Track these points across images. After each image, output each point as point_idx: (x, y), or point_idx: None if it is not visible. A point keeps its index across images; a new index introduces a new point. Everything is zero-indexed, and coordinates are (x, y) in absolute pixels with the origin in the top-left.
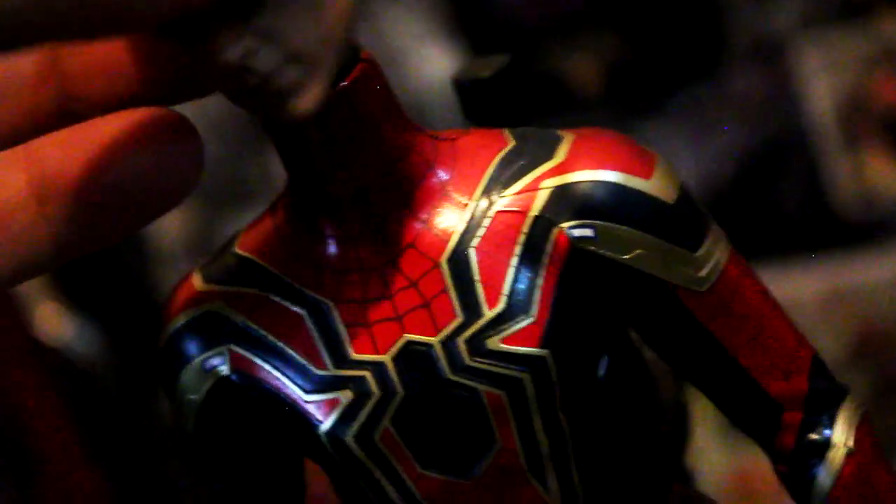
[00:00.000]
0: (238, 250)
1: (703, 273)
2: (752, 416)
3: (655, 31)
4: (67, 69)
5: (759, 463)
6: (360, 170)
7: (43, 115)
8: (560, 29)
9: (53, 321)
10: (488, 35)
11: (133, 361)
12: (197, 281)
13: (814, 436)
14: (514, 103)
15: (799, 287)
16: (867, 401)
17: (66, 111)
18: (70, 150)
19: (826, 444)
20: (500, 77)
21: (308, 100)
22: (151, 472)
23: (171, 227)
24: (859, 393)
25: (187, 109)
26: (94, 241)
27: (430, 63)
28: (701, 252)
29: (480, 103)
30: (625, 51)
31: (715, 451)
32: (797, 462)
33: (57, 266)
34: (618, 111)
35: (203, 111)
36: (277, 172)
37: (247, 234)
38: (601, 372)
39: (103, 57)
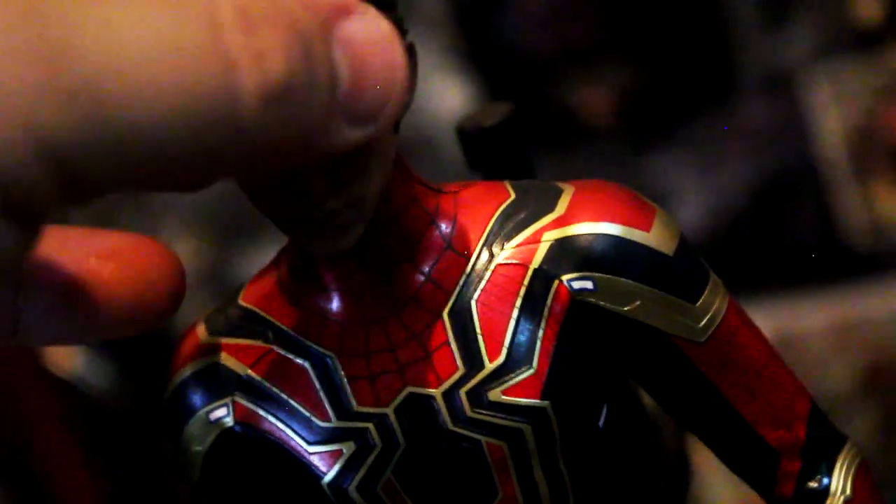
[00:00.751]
0: (242, 302)
1: (703, 324)
2: (750, 465)
3: (667, 63)
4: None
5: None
6: (367, 227)
7: None
8: (572, 60)
9: (65, 353)
10: (500, 68)
11: (144, 393)
12: (201, 332)
13: (812, 484)
14: (518, 151)
15: (809, 318)
16: (877, 430)
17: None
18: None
19: (825, 493)
20: (504, 126)
21: (351, 238)
22: (162, 494)
23: (182, 259)
24: (869, 423)
25: None
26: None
27: (441, 97)
28: (700, 303)
29: (484, 152)
30: (636, 82)
31: (720, 484)
32: None
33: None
34: (629, 142)
35: None
36: None
37: (251, 286)
38: (601, 421)
39: None
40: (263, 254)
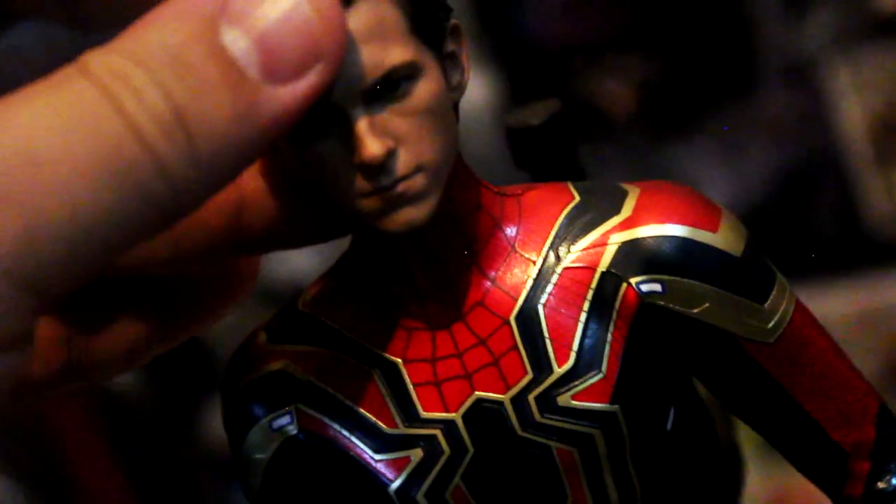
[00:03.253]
0: (303, 309)
1: (772, 324)
2: (819, 465)
3: (688, 54)
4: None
5: (796, 485)
6: (430, 229)
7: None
8: (593, 53)
9: None
10: (521, 61)
11: (169, 389)
12: (262, 340)
13: (881, 485)
14: (566, 149)
15: (832, 306)
16: None
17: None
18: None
19: (894, 494)
20: (551, 123)
21: (425, 209)
22: (185, 497)
23: None
24: (893, 410)
25: None
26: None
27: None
28: (769, 304)
29: (532, 151)
30: (657, 73)
31: (752, 474)
32: None
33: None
34: (650, 133)
35: None
36: None
37: (311, 293)
38: (669, 424)
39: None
40: (288, 253)
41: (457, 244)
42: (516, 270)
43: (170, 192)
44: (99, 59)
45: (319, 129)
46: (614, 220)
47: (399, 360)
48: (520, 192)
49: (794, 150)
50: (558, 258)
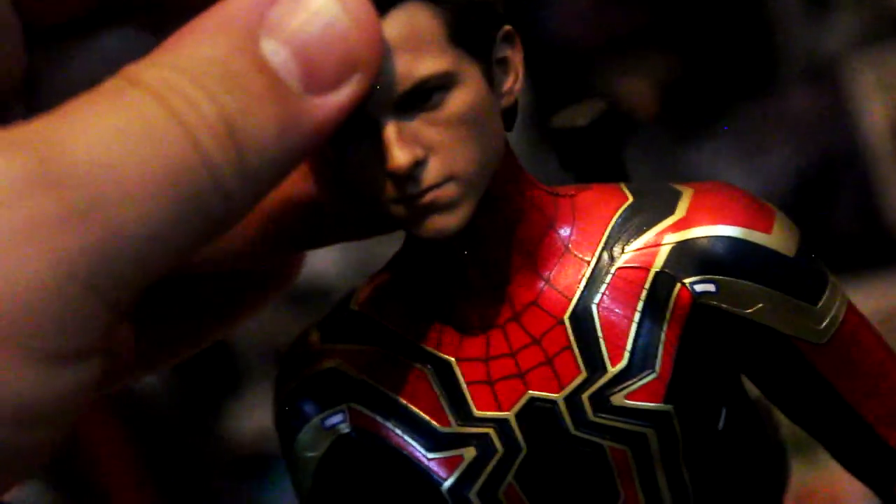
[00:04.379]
0: (356, 308)
1: (824, 325)
2: (869, 465)
3: (709, 52)
4: None
5: (820, 481)
6: (484, 229)
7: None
8: (614, 52)
9: None
10: (543, 60)
11: (192, 389)
12: (315, 339)
13: None
14: (611, 151)
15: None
16: None
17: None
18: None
19: None
20: (597, 125)
21: (456, 218)
22: (207, 496)
23: None
24: None
25: None
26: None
27: None
28: (821, 305)
29: (577, 152)
30: (679, 71)
31: None
32: None
33: None
34: (672, 132)
35: None
36: None
37: (364, 292)
38: (721, 424)
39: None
40: (325, 259)
41: (510, 244)
42: (570, 271)
43: (223, 203)
44: (150, 72)
45: (354, 135)
46: (668, 221)
47: (452, 359)
48: (573, 192)
49: (815, 149)
50: (612, 258)
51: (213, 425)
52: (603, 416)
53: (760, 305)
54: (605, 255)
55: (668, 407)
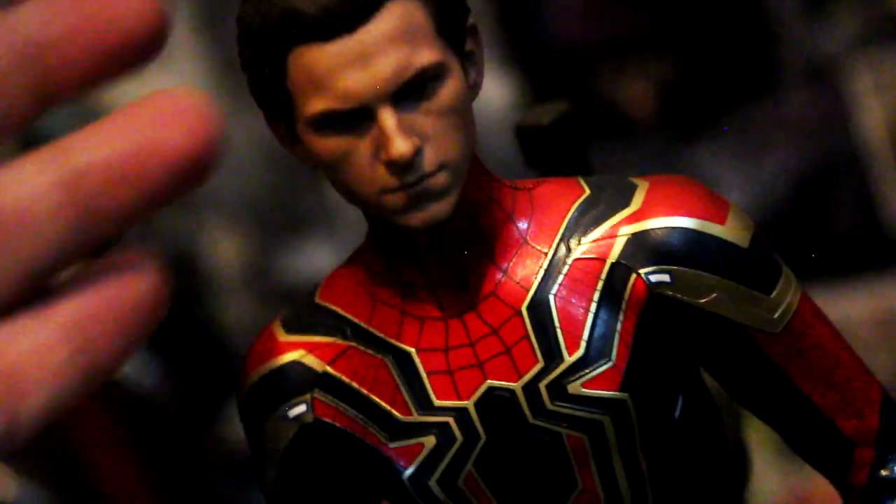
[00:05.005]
0: (320, 301)
1: (777, 315)
2: (824, 453)
3: (708, 55)
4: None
5: (815, 484)
6: (446, 222)
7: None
8: (613, 54)
9: None
10: (542, 63)
11: (191, 391)
12: (279, 331)
13: (885, 472)
14: (575, 149)
15: (853, 307)
16: None
17: None
18: None
19: None
20: (560, 124)
21: (446, 205)
22: (205, 497)
23: (226, 256)
24: None
25: (240, 138)
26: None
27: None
28: (774, 294)
29: (542, 150)
30: (677, 74)
31: (772, 474)
32: (869, 499)
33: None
34: (671, 134)
35: (258, 140)
36: (334, 200)
37: (327, 285)
38: (677, 412)
39: None
40: (308, 249)
41: (470, 236)
42: (528, 262)
43: None
44: None
45: (347, 124)
46: (624, 213)
47: (412, 350)
48: (531, 185)
49: (814, 152)
50: (569, 250)
51: (212, 427)
52: (560, 404)
53: (714, 295)
54: (563, 247)
55: (625, 395)
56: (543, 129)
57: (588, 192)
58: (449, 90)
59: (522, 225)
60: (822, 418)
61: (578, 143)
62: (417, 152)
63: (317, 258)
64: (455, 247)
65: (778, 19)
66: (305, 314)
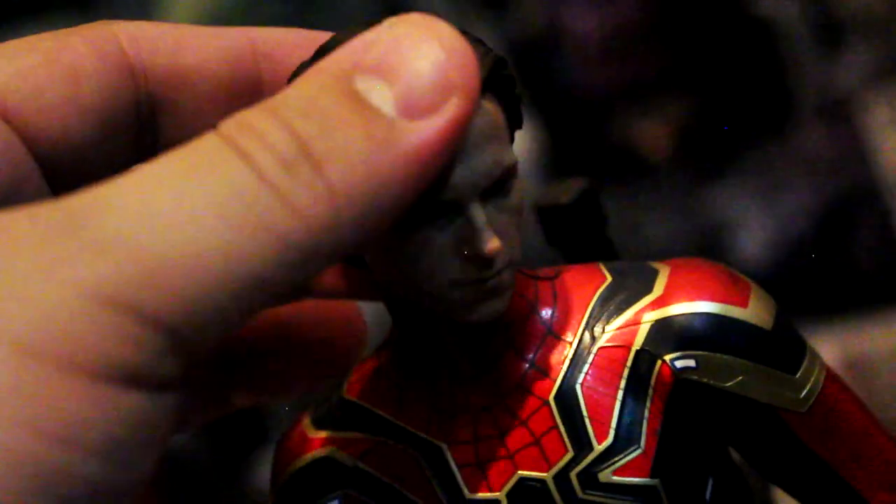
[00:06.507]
0: (347, 396)
1: (804, 394)
2: None
3: (723, 94)
4: None
5: None
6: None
7: None
8: (628, 96)
9: None
10: (558, 107)
11: (220, 437)
12: (308, 427)
13: None
14: (596, 226)
15: (876, 342)
16: None
17: None
18: None
19: None
20: (580, 202)
21: (505, 301)
22: None
23: None
24: None
25: None
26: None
27: None
28: (800, 374)
29: (563, 229)
30: (693, 114)
31: None
32: None
33: None
34: (688, 174)
35: None
36: None
37: (354, 378)
38: (708, 494)
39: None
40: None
41: (495, 330)
42: (553, 352)
43: (303, 228)
44: (232, 118)
45: (430, 218)
46: (646, 300)
47: (443, 444)
48: (552, 274)
49: (833, 187)
50: (594, 338)
51: (241, 476)
52: (592, 492)
53: (740, 378)
54: (587, 336)
55: (655, 481)
56: (563, 209)
57: (610, 278)
58: (519, 188)
59: (546, 315)
60: (856, 496)
61: (598, 220)
62: (496, 248)
63: None
64: (482, 340)
65: (792, 56)
66: (334, 409)
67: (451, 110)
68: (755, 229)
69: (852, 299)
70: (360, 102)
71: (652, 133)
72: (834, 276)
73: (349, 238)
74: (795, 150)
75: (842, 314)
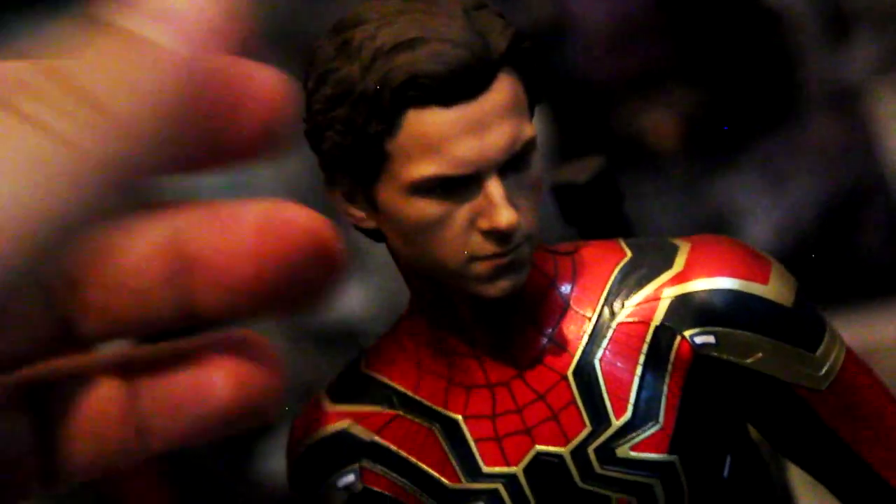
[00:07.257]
0: (364, 370)
1: (823, 372)
2: None
3: (731, 84)
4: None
5: None
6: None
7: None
8: (636, 87)
9: None
10: (566, 98)
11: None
12: (325, 401)
13: None
14: (612, 205)
15: (883, 332)
16: None
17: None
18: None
19: None
20: (597, 181)
21: (524, 276)
22: None
23: None
24: None
25: (266, 174)
26: None
27: None
28: (820, 352)
29: (579, 208)
30: (701, 105)
31: None
32: None
33: None
34: (696, 164)
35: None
36: (356, 238)
37: (372, 353)
38: (725, 471)
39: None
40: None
41: (513, 304)
42: (572, 327)
43: (76, 132)
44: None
45: (449, 190)
46: (666, 275)
47: (460, 417)
48: (572, 249)
49: (840, 178)
50: (613, 314)
51: (246, 466)
52: (609, 468)
53: (760, 355)
54: (606, 311)
55: (673, 457)
56: (580, 187)
57: (630, 254)
58: (537, 164)
59: (565, 290)
60: (872, 474)
61: (615, 199)
62: (516, 221)
63: (347, 300)
64: (499, 314)
65: (800, 47)
66: (352, 383)
67: (203, 21)
68: (762, 219)
69: (858, 288)
70: (119, 32)
71: (659, 123)
72: (839, 267)
73: (132, 152)
74: (803, 140)
75: (848, 304)
